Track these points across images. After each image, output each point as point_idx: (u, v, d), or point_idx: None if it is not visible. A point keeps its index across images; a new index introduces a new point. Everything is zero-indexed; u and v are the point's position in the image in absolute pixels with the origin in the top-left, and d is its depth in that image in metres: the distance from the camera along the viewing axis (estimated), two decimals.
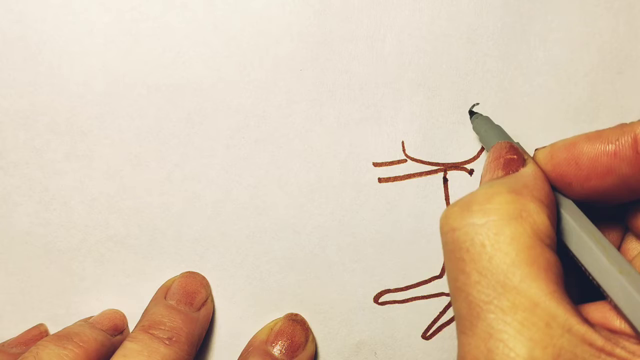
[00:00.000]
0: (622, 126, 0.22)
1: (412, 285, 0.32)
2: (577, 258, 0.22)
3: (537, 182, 0.22)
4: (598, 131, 0.22)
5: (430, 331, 0.32)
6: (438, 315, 0.32)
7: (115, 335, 0.31)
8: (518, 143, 0.26)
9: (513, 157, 0.23)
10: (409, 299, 0.32)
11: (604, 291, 0.21)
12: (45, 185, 0.31)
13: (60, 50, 0.30)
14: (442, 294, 0.32)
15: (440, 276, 0.32)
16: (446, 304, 0.32)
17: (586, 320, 0.19)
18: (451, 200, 0.31)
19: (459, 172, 0.31)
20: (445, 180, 0.31)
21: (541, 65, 0.30)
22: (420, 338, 0.32)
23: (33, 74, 0.31)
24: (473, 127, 0.30)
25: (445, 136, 0.31)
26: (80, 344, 0.28)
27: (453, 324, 0.32)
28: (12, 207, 0.32)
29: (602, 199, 0.23)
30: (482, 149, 0.31)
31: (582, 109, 0.31)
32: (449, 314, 0.32)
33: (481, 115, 0.30)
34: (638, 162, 0.21)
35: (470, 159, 0.31)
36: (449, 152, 0.31)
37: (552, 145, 0.23)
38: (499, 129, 0.28)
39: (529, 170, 0.22)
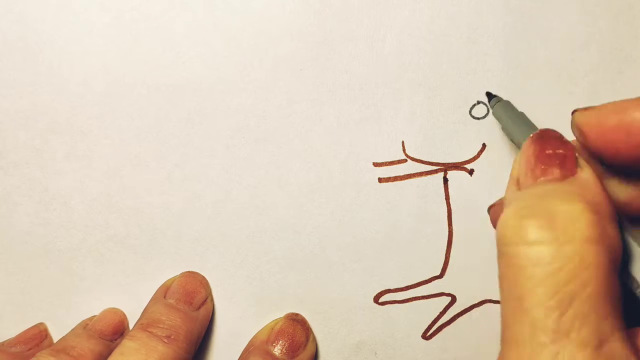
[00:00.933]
0: None
1: (412, 285, 0.32)
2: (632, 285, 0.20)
3: (603, 194, 0.20)
4: None
5: (430, 331, 0.32)
6: (438, 315, 0.32)
7: (115, 340, 0.31)
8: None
9: (565, 152, 0.21)
10: (409, 299, 0.32)
11: None
12: (45, 185, 0.31)
13: (60, 50, 0.30)
14: (442, 294, 0.32)
15: (440, 276, 0.32)
16: (446, 304, 0.32)
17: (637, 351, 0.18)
18: (451, 200, 0.31)
19: (459, 172, 0.31)
20: (445, 180, 0.31)
21: (542, 64, 0.30)
22: (420, 338, 0.32)
23: (33, 74, 0.31)
24: (493, 113, 0.29)
25: (445, 136, 0.31)
26: (78, 358, 0.28)
27: (453, 324, 0.32)
28: (12, 207, 0.32)
29: None
30: (483, 149, 0.31)
31: None
32: (449, 314, 0.32)
33: (502, 99, 0.28)
34: None
35: (471, 159, 0.31)
36: (449, 152, 0.31)
37: (597, 108, 0.21)
38: (523, 116, 0.26)
39: (588, 176, 0.20)
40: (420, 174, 0.31)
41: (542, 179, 0.20)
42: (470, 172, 0.31)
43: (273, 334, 0.31)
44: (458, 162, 0.31)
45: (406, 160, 0.31)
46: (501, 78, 0.30)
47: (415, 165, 0.31)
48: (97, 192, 0.31)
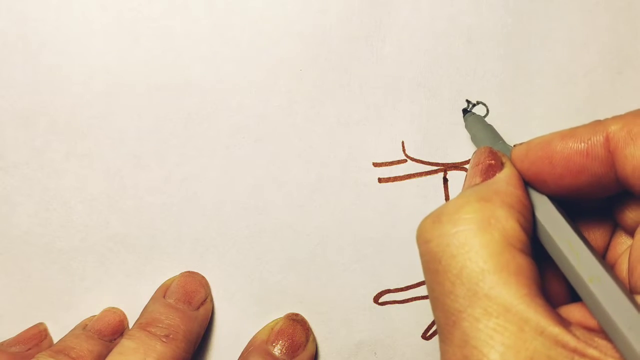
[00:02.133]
0: (595, 124, 0.22)
1: (412, 285, 0.32)
2: (553, 258, 0.22)
3: (508, 187, 0.22)
4: (572, 129, 0.22)
5: (431, 331, 0.32)
6: None
7: (114, 340, 0.31)
8: (508, 145, 0.26)
9: (491, 162, 0.23)
10: (409, 299, 0.32)
11: (576, 291, 0.21)
12: (45, 185, 0.31)
13: (60, 50, 0.30)
14: None
15: None
16: None
17: (561, 322, 0.19)
18: None
19: (459, 172, 0.31)
20: (445, 180, 0.31)
21: (541, 65, 0.30)
22: (420, 338, 0.32)
23: (33, 74, 0.31)
24: (465, 126, 0.30)
25: (445, 136, 0.31)
26: (77, 359, 0.28)
27: None
28: (12, 207, 0.32)
29: (578, 195, 0.23)
30: None
31: (582, 109, 0.31)
32: None
33: (474, 114, 0.29)
34: (609, 161, 0.21)
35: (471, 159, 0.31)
36: (449, 152, 0.31)
37: (528, 142, 0.23)
38: (489, 129, 0.28)
39: (503, 175, 0.23)
40: (420, 174, 0.31)
41: (465, 185, 0.24)
42: None
43: (273, 334, 0.31)
44: (458, 162, 0.31)
45: (406, 161, 0.31)
46: (501, 78, 0.30)
47: (415, 166, 0.31)
48: (97, 192, 0.31)
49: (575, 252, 0.21)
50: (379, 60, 0.30)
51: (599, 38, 0.30)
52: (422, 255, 0.21)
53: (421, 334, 0.32)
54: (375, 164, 0.31)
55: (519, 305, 0.19)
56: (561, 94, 0.31)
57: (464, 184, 0.24)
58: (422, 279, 0.32)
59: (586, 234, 0.24)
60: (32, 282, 0.32)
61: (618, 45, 0.30)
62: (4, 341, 0.31)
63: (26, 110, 0.31)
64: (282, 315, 0.32)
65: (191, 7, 0.30)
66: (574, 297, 0.22)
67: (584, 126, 0.22)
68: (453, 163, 0.31)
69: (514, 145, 0.24)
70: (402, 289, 0.32)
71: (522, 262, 0.20)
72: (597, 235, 0.25)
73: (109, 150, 0.31)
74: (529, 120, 0.31)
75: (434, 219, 0.21)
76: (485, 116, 0.31)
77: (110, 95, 0.31)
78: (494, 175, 0.23)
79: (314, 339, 0.32)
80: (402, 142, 0.31)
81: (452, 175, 0.31)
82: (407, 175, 0.31)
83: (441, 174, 0.31)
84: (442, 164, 0.31)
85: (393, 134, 0.31)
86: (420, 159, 0.31)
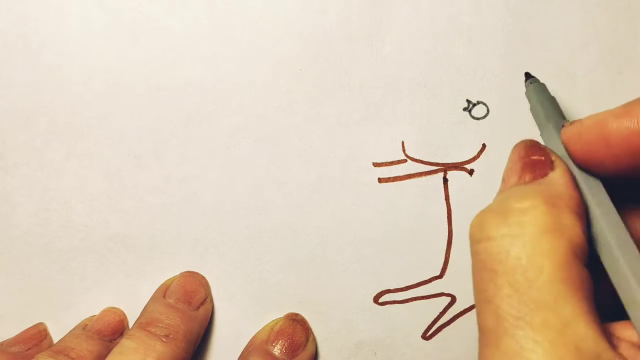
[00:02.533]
0: None
1: (412, 285, 0.32)
2: (607, 271, 0.21)
3: (569, 190, 0.21)
4: (626, 106, 0.21)
5: (430, 331, 0.32)
6: (438, 316, 0.32)
7: (114, 340, 0.31)
8: (567, 120, 0.24)
9: (540, 158, 0.22)
10: (409, 299, 0.32)
11: (626, 311, 0.20)
12: (45, 185, 0.31)
13: (60, 50, 0.30)
14: (442, 294, 0.32)
15: (440, 276, 0.32)
16: (446, 304, 0.32)
17: (614, 344, 0.18)
18: (451, 201, 0.31)
19: (459, 172, 0.31)
20: (445, 180, 0.31)
21: (542, 64, 0.30)
22: (420, 338, 0.32)
23: (33, 74, 0.31)
24: (525, 93, 0.28)
25: (445, 136, 0.31)
26: (77, 359, 0.28)
27: (453, 324, 0.32)
28: (12, 207, 0.32)
29: (636, 176, 0.22)
30: (482, 149, 0.31)
31: (582, 109, 0.31)
32: (449, 314, 0.32)
33: (537, 81, 0.28)
34: None
35: (470, 159, 0.31)
36: (449, 152, 0.31)
37: (580, 122, 0.22)
38: (552, 101, 0.27)
39: (558, 176, 0.22)
40: (420, 174, 0.31)
41: (514, 183, 0.22)
42: (470, 172, 0.31)
43: (273, 333, 0.31)
44: (458, 162, 0.31)
45: (406, 161, 0.31)
46: (501, 78, 0.30)
47: (415, 166, 0.31)
48: (97, 192, 0.31)
49: (633, 269, 0.20)
50: (379, 60, 0.30)
51: (599, 38, 0.30)
52: (479, 252, 0.20)
53: (421, 334, 0.32)
54: (375, 164, 0.31)
55: (579, 322, 0.18)
56: (561, 94, 0.30)
57: (508, 177, 0.23)
58: (422, 278, 0.32)
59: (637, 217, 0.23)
60: (32, 282, 0.32)
61: (618, 45, 0.30)
62: (4, 341, 0.31)
63: (26, 110, 0.31)
64: (282, 315, 0.32)
65: (191, 7, 0.30)
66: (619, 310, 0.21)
67: (638, 105, 0.21)
68: (453, 163, 0.31)
69: (563, 127, 0.23)
70: (402, 289, 0.32)
71: (584, 275, 0.19)
72: None
73: (109, 150, 0.31)
74: (529, 120, 0.30)
75: (499, 215, 0.20)
76: (485, 116, 0.31)
77: (110, 95, 0.31)
78: (545, 173, 0.22)
79: (314, 339, 0.32)
80: (402, 142, 0.31)
81: (452, 175, 0.31)
82: (407, 175, 0.31)
83: (441, 174, 0.31)
84: (442, 164, 0.31)
85: (393, 134, 0.31)
86: (420, 159, 0.31)
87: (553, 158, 0.22)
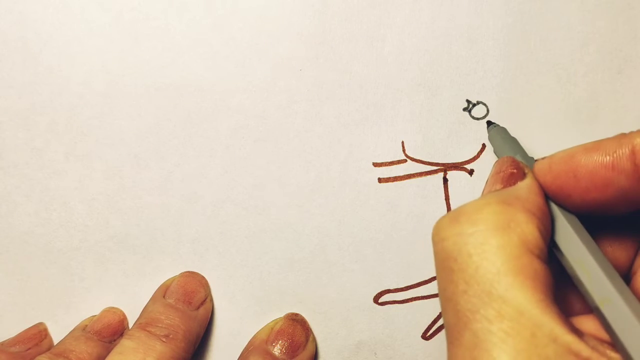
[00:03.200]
0: (620, 137, 0.21)
1: (412, 285, 0.32)
2: (567, 270, 0.22)
3: (530, 194, 0.22)
4: (596, 142, 0.22)
5: (430, 331, 0.32)
6: (438, 315, 0.32)
7: (114, 340, 0.31)
8: (532, 158, 0.26)
9: (513, 171, 0.23)
10: (409, 299, 0.32)
11: (588, 303, 0.21)
12: (45, 185, 0.31)
13: (60, 50, 0.30)
14: None
15: None
16: None
17: (574, 330, 0.19)
18: (451, 201, 0.31)
19: (459, 172, 0.31)
20: (445, 180, 0.31)
21: (541, 65, 0.30)
22: (420, 338, 0.32)
23: (33, 74, 0.31)
24: (488, 137, 0.30)
25: (445, 136, 0.31)
26: None
27: None
28: (12, 207, 0.32)
29: (603, 210, 0.22)
30: (482, 149, 0.31)
31: (582, 109, 0.31)
32: None
33: (498, 125, 0.29)
34: (636, 175, 0.21)
35: (470, 159, 0.31)
36: (449, 152, 0.31)
37: (551, 156, 0.23)
38: (513, 142, 0.28)
39: (524, 183, 0.22)
40: (420, 174, 0.31)
41: (485, 190, 0.23)
42: (470, 172, 0.31)
43: (273, 333, 0.31)
44: (458, 162, 0.31)
45: (406, 161, 0.31)
46: (501, 78, 0.30)
47: (415, 166, 0.31)
48: (97, 192, 0.31)
49: (587, 272, 0.21)
50: (379, 60, 0.30)
51: (599, 38, 0.30)
52: (437, 253, 0.21)
53: (421, 334, 0.32)
54: (375, 164, 0.31)
55: (533, 309, 0.18)
56: (561, 94, 0.30)
57: (483, 190, 0.24)
58: (422, 278, 0.32)
59: (610, 248, 0.24)
60: (32, 282, 0.32)
61: (618, 45, 0.30)
62: (4, 341, 0.31)
63: (26, 110, 0.31)
64: (282, 315, 0.32)
65: (191, 7, 0.30)
66: (588, 308, 0.22)
67: (609, 139, 0.22)
68: (453, 163, 0.31)
69: (535, 161, 0.24)
70: (402, 289, 0.32)
71: (539, 268, 0.20)
72: (622, 249, 0.24)
73: (109, 150, 0.31)
74: (529, 120, 0.31)
75: (452, 218, 0.21)
76: (485, 116, 0.31)
77: (110, 95, 0.31)
78: (515, 183, 0.23)
79: (314, 339, 0.32)
80: (402, 142, 0.31)
81: (452, 175, 0.31)
82: (407, 175, 0.31)
83: (441, 174, 0.31)
84: (442, 164, 0.31)
85: (393, 134, 0.31)
86: (420, 159, 0.31)
87: (526, 171, 0.23)
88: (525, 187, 0.22)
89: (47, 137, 0.31)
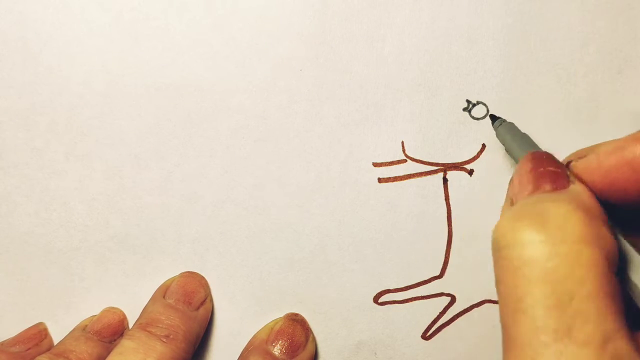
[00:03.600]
0: None
1: (412, 285, 0.32)
2: (630, 289, 0.20)
3: (595, 202, 0.20)
4: None
5: (430, 331, 0.32)
6: (438, 316, 0.32)
7: (114, 340, 0.31)
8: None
9: (557, 170, 0.21)
10: (409, 299, 0.32)
11: None
12: (45, 185, 0.31)
13: (60, 50, 0.30)
14: (442, 294, 0.32)
15: (440, 276, 0.32)
16: (446, 304, 0.32)
17: None
18: (451, 201, 0.31)
19: (459, 172, 0.31)
20: (445, 180, 0.31)
21: (541, 65, 0.30)
22: (420, 338, 0.32)
23: (33, 74, 0.31)
24: (496, 135, 0.29)
25: (445, 136, 0.31)
26: None
27: (453, 324, 0.32)
28: (12, 207, 0.32)
29: None
30: (482, 149, 0.31)
31: (582, 109, 0.31)
32: (449, 314, 0.32)
33: (505, 121, 0.29)
34: None
35: (470, 159, 0.31)
36: (449, 152, 0.31)
37: (594, 152, 0.21)
38: (526, 138, 0.27)
39: (579, 188, 0.21)
40: (420, 174, 0.31)
41: (530, 192, 0.21)
42: (470, 172, 0.31)
43: (273, 333, 0.31)
44: (458, 162, 0.31)
45: (406, 161, 0.31)
46: (501, 78, 0.30)
47: (415, 166, 0.31)
48: (97, 192, 0.31)
49: None
50: (379, 60, 0.30)
51: (599, 38, 0.30)
52: (512, 258, 0.19)
53: (421, 334, 0.32)
54: (375, 164, 0.31)
55: (619, 338, 0.17)
56: (561, 94, 0.30)
57: (521, 186, 0.22)
58: (422, 278, 0.32)
59: None
60: (32, 282, 0.32)
61: (618, 45, 0.30)
62: (4, 341, 0.31)
63: (26, 110, 0.31)
64: (282, 315, 0.32)
65: (191, 7, 0.30)
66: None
67: None
68: (453, 163, 0.31)
69: (570, 162, 0.22)
70: (402, 289, 0.32)
71: (619, 288, 0.18)
72: None
73: (109, 150, 0.31)
74: (529, 121, 0.31)
75: (534, 219, 0.19)
76: (485, 116, 0.31)
77: (110, 95, 0.31)
78: (566, 185, 0.21)
79: (314, 339, 0.32)
80: (402, 142, 0.31)
81: (452, 175, 0.31)
82: (407, 175, 0.31)
83: (441, 174, 0.31)
84: (442, 164, 0.31)
85: (393, 134, 0.31)
86: (420, 159, 0.31)
87: (568, 172, 0.22)
88: (585, 193, 0.20)
89: (47, 137, 0.31)
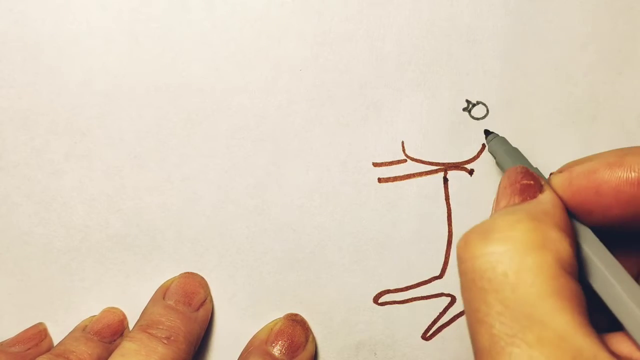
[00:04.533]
0: None
1: (412, 285, 0.32)
2: (595, 289, 0.21)
3: (556, 209, 0.21)
4: (618, 157, 0.21)
5: (430, 331, 0.32)
6: (438, 316, 0.32)
7: (114, 341, 0.31)
8: (537, 168, 0.25)
9: (530, 182, 0.22)
10: (409, 299, 0.32)
11: (621, 325, 0.20)
12: (45, 185, 0.31)
13: (60, 50, 0.30)
14: (442, 294, 0.32)
15: (440, 276, 0.32)
16: (446, 304, 0.32)
17: (614, 355, 0.18)
18: (451, 201, 0.31)
19: (459, 172, 0.31)
20: (445, 180, 0.31)
21: (541, 65, 0.30)
22: (420, 338, 0.32)
23: (33, 74, 0.31)
24: (488, 148, 0.29)
25: (445, 136, 0.31)
26: None
27: (453, 325, 0.32)
28: (12, 207, 0.32)
29: (623, 226, 0.22)
30: (482, 149, 0.31)
31: (582, 109, 0.31)
32: (449, 314, 0.32)
33: (497, 135, 0.29)
34: None
35: (470, 159, 0.31)
36: (449, 152, 0.31)
37: (569, 170, 0.22)
38: (516, 152, 0.28)
39: (547, 197, 0.22)
40: (420, 174, 0.31)
41: (502, 207, 0.22)
42: (470, 172, 0.31)
43: (272, 334, 0.31)
44: (458, 162, 0.31)
45: (406, 161, 0.31)
46: (501, 78, 0.30)
47: (415, 165, 0.31)
48: (97, 192, 0.31)
49: (620, 279, 0.20)
50: (379, 60, 0.30)
51: (599, 38, 0.30)
52: (467, 272, 0.20)
53: (421, 334, 0.32)
54: (375, 164, 0.31)
55: (575, 334, 0.18)
56: (561, 94, 0.30)
57: (497, 201, 0.23)
58: (422, 278, 0.32)
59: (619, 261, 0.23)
60: (32, 282, 0.32)
61: (618, 45, 0.30)
62: (4, 341, 0.31)
63: (26, 110, 0.31)
64: (281, 316, 0.32)
65: (191, 7, 0.30)
66: (609, 324, 0.21)
67: (632, 154, 0.21)
68: (453, 163, 0.31)
69: (551, 174, 0.23)
70: (402, 289, 0.32)
71: (575, 288, 0.19)
72: (625, 264, 0.23)
73: (109, 150, 0.31)
74: (529, 121, 0.31)
75: (482, 234, 0.20)
76: (485, 116, 0.31)
77: (110, 95, 0.31)
78: (534, 195, 0.22)
79: (314, 339, 0.32)
80: (402, 142, 0.31)
81: (452, 175, 0.31)
82: (407, 175, 0.31)
83: (441, 174, 0.31)
84: (442, 164, 0.31)
85: (393, 134, 0.31)
86: (420, 159, 0.31)
87: (542, 182, 0.23)
88: (549, 201, 0.21)
89: (47, 137, 0.31)
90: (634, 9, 0.30)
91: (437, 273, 0.32)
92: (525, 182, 0.22)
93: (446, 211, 0.31)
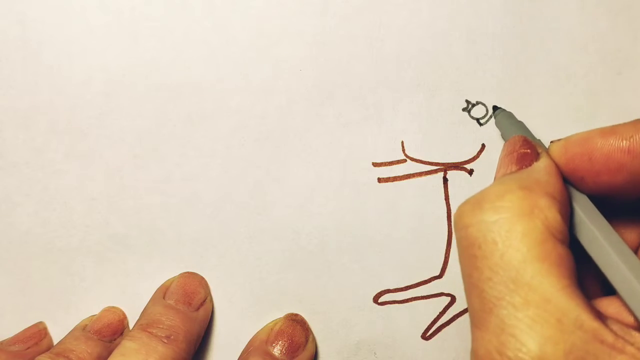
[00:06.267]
0: (637, 122, 0.22)
1: (412, 285, 0.32)
2: (588, 253, 0.22)
3: (549, 177, 0.22)
4: (613, 126, 0.22)
5: (430, 331, 0.32)
6: (438, 316, 0.32)
7: (114, 340, 0.31)
8: (539, 140, 0.26)
9: (527, 151, 0.23)
10: (409, 299, 0.32)
11: (613, 287, 0.21)
12: (45, 185, 0.31)
13: (60, 50, 0.30)
14: (442, 294, 0.32)
15: (440, 276, 0.32)
16: (446, 304, 0.32)
17: (599, 316, 0.19)
18: (451, 200, 0.31)
19: (459, 172, 0.31)
20: (445, 180, 0.31)
21: (541, 65, 0.30)
22: (420, 338, 0.32)
23: (33, 74, 0.31)
24: (495, 122, 0.30)
25: (445, 136, 0.31)
26: None
27: (453, 324, 0.32)
28: (12, 207, 0.32)
29: (614, 194, 0.22)
30: (482, 149, 0.31)
31: (582, 109, 0.31)
32: (449, 314, 0.32)
33: (504, 110, 0.30)
34: None
35: (470, 159, 0.31)
36: (449, 152, 0.31)
37: (567, 138, 0.23)
38: (520, 124, 0.28)
39: (541, 164, 0.22)
40: (420, 174, 0.31)
41: (501, 176, 0.23)
42: (470, 172, 0.31)
43: (272, 334, 0.31)
44: (458, 162, 0.31)
45: (406, 161, 0.31)
46: (500, 78, 0.31)
47: (415, 165, 0.31)
48: (97, 192, 0.31)
49: (612, 243, 0.21)
50: (379, 60, 0.30)
51: (599, 38, 0.30)
52: (460, 239, 0.21)
53: (421, 334, 0.32)
54: (375, 164, 0.31)
55: (559, 296, 0.19)
56: (561, 94, 0.31)
57: (497, 170, 0.24)
58: (422, 278, 0.32)
59: (618, 232, 0.24)
60: (32, 282, 0.32)
61: (618, 45, 0.30)
62: (4, 340, 0.31)
63: (26, 110, 0.31)
64: (281, 315, 0.32)
65: (191, 7, 0.30)
66: (604, 292, 0.22)
67: (625, 124, 0.22)
68: (453, 163, 0.31)
69: (551, 142, 0.24)
70: (402, 289, 0.32)
71: (563, 253, 0.20)
72: (627, 235, 0.24)
73: (109, 150, 0.31)
74: (529, 120, 0.30)
75: (474, 204, 0.21)
76: (485, 116, 0.31)
77: (110, 95, 0.31)
78: (530, 164, 0.23)
79: (314, 339, 0.32)
80: (402, 142, 0.31)
81: (452, 175, 0.31)
82: (407, 175, 0.31)
83: (441, 174, 0.31)
84: (442, 164, 0.31)
85: (393, 134, 0.31)
86: (420, 159, 0.31)
87: (539, 150, 0.23)
88: (543, 169, 0.22)
89: (47, 137, 0.31)
90: (634, 9, 0.30)
91: (437, 273, 0.32)
92: (523, 150, 0.23)
93: (446, 211, 0.31)
